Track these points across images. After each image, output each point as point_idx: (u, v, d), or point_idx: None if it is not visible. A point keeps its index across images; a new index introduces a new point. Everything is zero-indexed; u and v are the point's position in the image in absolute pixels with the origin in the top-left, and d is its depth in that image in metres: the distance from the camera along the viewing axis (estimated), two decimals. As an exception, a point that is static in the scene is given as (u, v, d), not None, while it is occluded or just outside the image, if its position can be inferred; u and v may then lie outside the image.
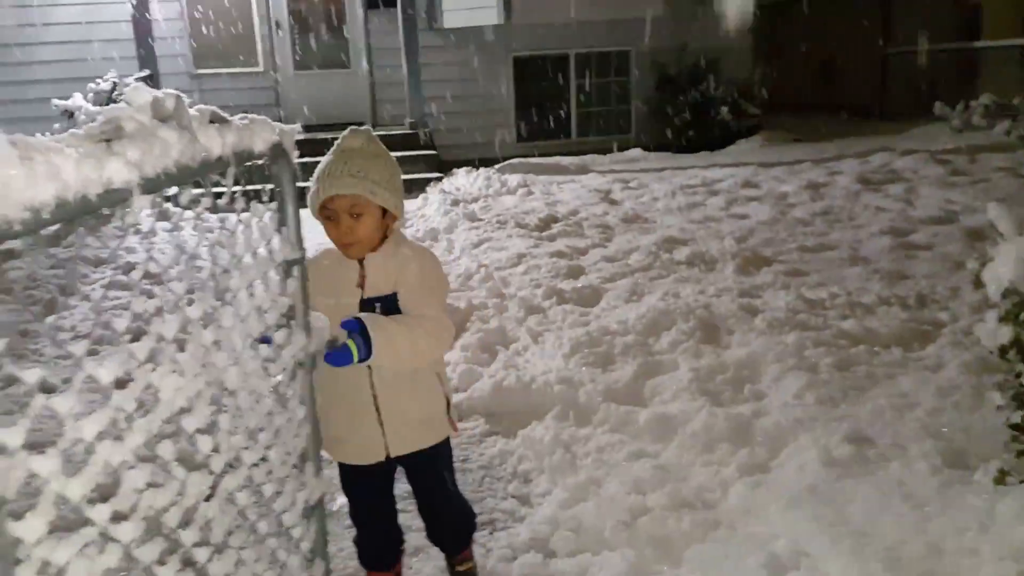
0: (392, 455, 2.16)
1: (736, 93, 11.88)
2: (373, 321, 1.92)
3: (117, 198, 1.00)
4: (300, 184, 1.79)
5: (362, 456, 2.18)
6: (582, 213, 7.59)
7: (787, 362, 3.83)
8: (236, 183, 1.47)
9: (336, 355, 1.85)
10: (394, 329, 1.93)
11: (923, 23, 14.14)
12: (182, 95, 1.22)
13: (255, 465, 1.48)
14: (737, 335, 4.28)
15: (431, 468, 2.28)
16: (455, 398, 3.75)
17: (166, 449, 1.15)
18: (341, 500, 3.10)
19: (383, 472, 2.25)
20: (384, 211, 2.05)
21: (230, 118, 1.42)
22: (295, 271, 1.79)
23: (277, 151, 1.66)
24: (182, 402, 1.19)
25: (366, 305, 2.05)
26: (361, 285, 2.07)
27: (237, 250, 1.48)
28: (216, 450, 1.32)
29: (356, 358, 1.87)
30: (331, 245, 2.12)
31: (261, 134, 1.52)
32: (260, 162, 1.61)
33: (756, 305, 4.72)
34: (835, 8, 15.30)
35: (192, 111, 1.31)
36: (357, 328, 1.88)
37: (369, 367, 2.00)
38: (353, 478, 2.26)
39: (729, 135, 11.86)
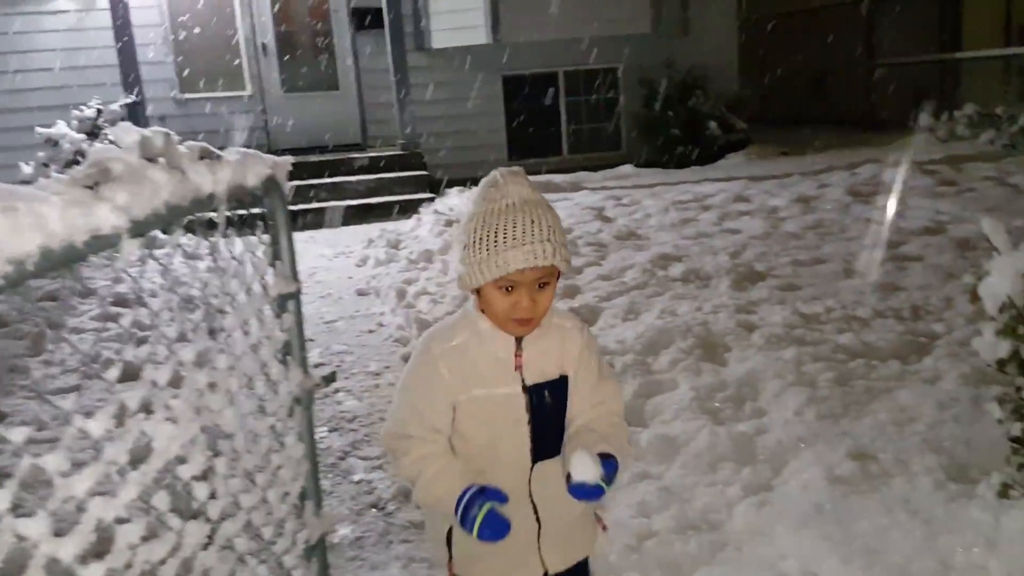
0: (550, 572, 1.76)
1: (724, 108, 11.92)
2: (621, 460, 1.65)
3: (105, 244, 0.97)
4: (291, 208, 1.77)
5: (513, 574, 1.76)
6: (576, 231, 7.58)
7: (786, 378, 3.81)
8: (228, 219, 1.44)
9: (588, 491, 1.54)
10: (623, 459, 1.68)
11: (906, 36, 14.27)
12: (171, 133, 1.19)
13: (254, 508, 1.44)
14: (735, 352, 4.26)
15: None
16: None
17: (161, 500, 1.11)
18: (342, 532, 3.06)
19: None
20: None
21: (221, 153, 1.39)
22: (290, 306, 1.76)
23: (270, 184, 1.63)
24: (177, 450, 1.15)
25: (533, 394, 1.66)
26: (518, 368, 1.66)
27: (231, 287, 1.45)
28: (213, 496, 1.28)
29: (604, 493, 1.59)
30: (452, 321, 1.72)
31: (253, 168, 1.50)
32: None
33: (753, 321, 4.70)
34: (821, 22, 15.43)
35: (182, 148, 1.28)
36: (614, 470, 1.61)
37: (532, 464, 1.69)
38: None
39: (718, 150, 11.90)
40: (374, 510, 3.17)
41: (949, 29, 14.21)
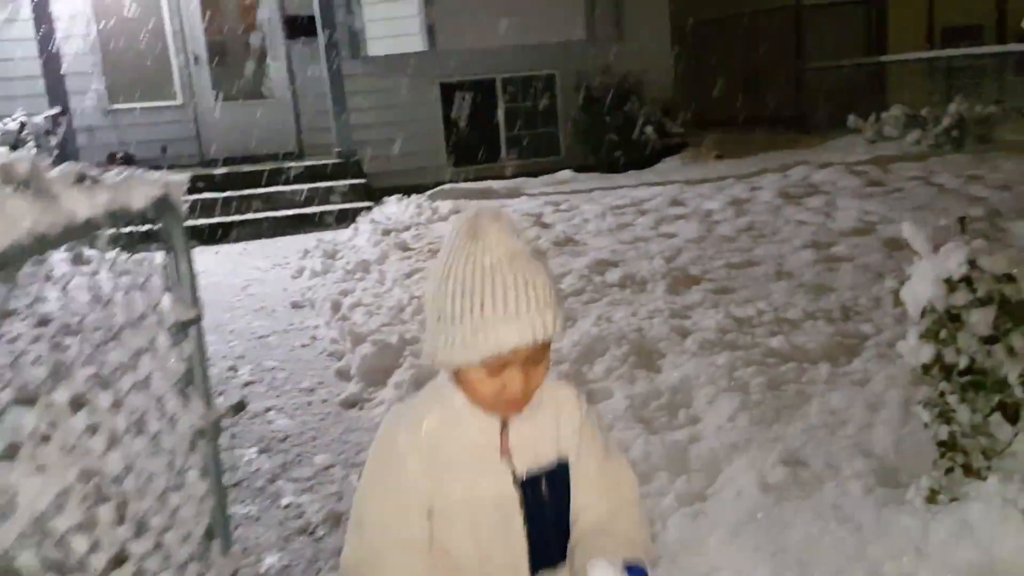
0: None
1: (660, 112, 12.06)
2: (650, 568, 1.33)
3: (-53, 284, 0.88)
4: (189, 224, 1.68)
5: None
6: (513, 238, 7.53)
7: (719, 384, 3.82)
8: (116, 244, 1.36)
9: None
10: (652, 566, 1.38)
11: (833, 39, 14.67)
12: (37, 160, 1.10)
13: (146, 555, 1.35)
14: (669, 358, 4.26)
15: None
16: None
17: (27, 558, 1.02)
18: (269, 561, 2.94)
19: None
20: None
21: (101, 176, 1.31)
22: (191, 332, 1.67)
23: (163, 205, 1.54)
24: (48, 501, 1.06)
25: (527, 488, 1.35)
26: (505, 454, 1.35)
27: (117, 318, 1.36)
28: (96, 547, 1.19)
29: None
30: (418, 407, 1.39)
31: (139, 189, 1.41)
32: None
33: (687, 326, 4.71)
34: (753, 27, 15.77)
35: (54, 172, 1.19)
36: None
37: (531, 555, 1.39)
38: None
39: (655, 154, 12.03)
40: (303, 536, 3.07)
41: (876, 33, 14.65)
